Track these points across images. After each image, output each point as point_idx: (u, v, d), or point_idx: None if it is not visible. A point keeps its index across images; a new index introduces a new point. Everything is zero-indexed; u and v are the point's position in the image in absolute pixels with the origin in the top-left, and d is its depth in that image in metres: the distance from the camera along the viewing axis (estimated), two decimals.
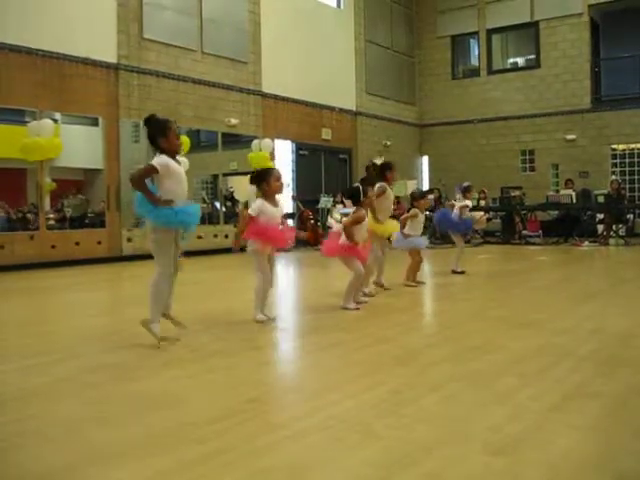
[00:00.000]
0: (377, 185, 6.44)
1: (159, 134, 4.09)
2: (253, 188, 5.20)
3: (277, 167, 8.19)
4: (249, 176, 5.19)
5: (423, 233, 7.32)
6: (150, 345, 4.08)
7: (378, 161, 6.68)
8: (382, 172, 6.62)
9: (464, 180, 12.06)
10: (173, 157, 4.13)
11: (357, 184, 5.94)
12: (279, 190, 5.09)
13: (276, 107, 14.68)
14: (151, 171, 4.02)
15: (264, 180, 5.00)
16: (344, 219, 5.80)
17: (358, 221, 5.60)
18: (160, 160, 4.03)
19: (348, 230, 5.51)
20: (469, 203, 8.32)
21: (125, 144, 11.51)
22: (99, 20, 11.03)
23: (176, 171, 4.10)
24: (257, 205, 4.96)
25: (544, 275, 8.66)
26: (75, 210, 11.42)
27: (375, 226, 6.23)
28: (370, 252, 6.19)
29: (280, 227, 5.05)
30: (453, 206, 8.22)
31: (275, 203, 5.02)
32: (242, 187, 14.36)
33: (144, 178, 4.03)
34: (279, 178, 5.08)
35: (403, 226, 7.02)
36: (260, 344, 4.32)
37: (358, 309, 5.52)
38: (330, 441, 2.40)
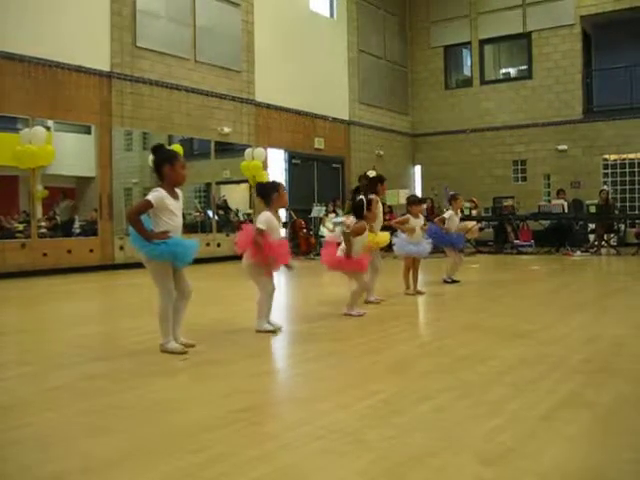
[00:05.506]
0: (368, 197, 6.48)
1: (166, 162, 4.05)
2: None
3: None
4: (256, 188, 5.10)
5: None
6: (143, 353, 4.08)
7: (370, 174, 6.69)
8: (374, 185, 6.68)
9: (457, 190, 12.12)
10: (173, 188, 4.08)
11: (361, 197, 5.93)
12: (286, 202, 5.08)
13: (269, 116, 14.72)
14: (147, 206, 3.93)
15: (275, 191, 4.88)
16: (337, 228, 5.81)
17: (359, 232, 5.63)
18: (157, 194, 3.96)
19: (347, 238, 5.54)
20: (447, 215, 8.22)
21: (118, 152, 11.53)
22: (93, 28, 11.06)
23: (171, 205, 4.03)
24: (266, 218, 4.78)
25: (536, 285, 8.69)
26: (63, 214, 11.39)
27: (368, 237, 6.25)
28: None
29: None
30: (443, 221, 8.15)
31: (278, 215, 4.95)
32: (235, 195, 14.44)
33: (140, 214, 3.94)
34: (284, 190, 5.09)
35: (398, 224, 7.15)
36: (254, 353, 4.30)
37: (361, 315, 5.60)
38: (322, 451, 2.39)
